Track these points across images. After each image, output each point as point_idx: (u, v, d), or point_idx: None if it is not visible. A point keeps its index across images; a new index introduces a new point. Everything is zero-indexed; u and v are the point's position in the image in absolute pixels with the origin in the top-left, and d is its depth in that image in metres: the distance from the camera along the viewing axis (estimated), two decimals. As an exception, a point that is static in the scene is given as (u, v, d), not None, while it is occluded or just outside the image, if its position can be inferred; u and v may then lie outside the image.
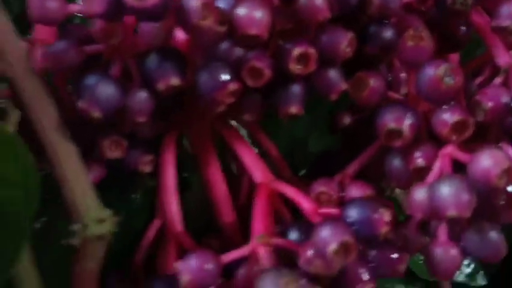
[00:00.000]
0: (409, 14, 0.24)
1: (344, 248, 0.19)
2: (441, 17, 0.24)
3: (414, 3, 0.24)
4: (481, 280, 0.42)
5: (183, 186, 0.30)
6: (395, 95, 0.23)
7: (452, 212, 0.19)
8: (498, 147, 0.20)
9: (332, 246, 0.18)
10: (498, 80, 0.23)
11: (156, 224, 0.25)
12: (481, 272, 0.42)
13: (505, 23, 0.23)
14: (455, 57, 0.26)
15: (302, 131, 0.34)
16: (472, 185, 0.20)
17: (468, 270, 0.43)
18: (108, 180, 0.28)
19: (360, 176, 0.25)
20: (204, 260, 0.19)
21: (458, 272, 0.42)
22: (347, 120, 0.25)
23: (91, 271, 0.22)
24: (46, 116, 0.21)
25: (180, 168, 0.28)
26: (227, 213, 0.25)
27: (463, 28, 0.25)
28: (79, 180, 0.22)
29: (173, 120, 0.25)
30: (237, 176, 0.27)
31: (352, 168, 0.24)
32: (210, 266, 0.19)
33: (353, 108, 0.25)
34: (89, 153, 0.24)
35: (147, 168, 0.25)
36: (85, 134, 0.24)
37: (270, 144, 0.27)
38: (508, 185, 0.20)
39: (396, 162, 0.23)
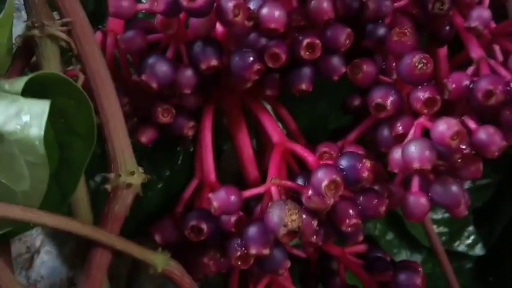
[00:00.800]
0: (400, 16, 0.30)
1: (333, 184, 0.25)
2: (426, 19, 0.30)
3: (404, 7, 0.30)
4: (479, 250, 0.47)
5: (218, 153, 0.37)
6: (385, 79, 0.29)
7: (416, 165, 0.26)
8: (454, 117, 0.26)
9: (324, 183, 0.25)
10: (471, 69, 0.29)
11: (194, 182, 0.32)
12: (480, 244, 0.48)
13: (474, 23, 0.28)
14: (443, 51, 0.32)
15: (322, 111, 0.40)
16: (433, 145, 0.26)
17: (468, 241, 0.48)
18: (158, 144, 0.36)
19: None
20: (229, 193, 0.26)
21: (458, 242, 0.48)
22: (356, 102, 0.31)
23: (118, 213, 0.27)
24: (102, 86, 0.27)
25: (217, 138, 0.34)
26: (252, 171, 0.32)
27: (447, 28, 0.30)
28: (119, 139, 0.27)
29: (211, 95, 0.32)
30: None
31: (352, 135, 0.31)
32: (233, 197, 0.26)
33: (360, 93, 0.31)
34: (145, 120, 0.32)
35: (190, 132, 0.31)
36: (143, 104, 0.31)
37: (289, 119, 0.33)
38: (460, 144, 0.26)
39: (383, 131, 0.29)
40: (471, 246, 0.47)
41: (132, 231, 0.30)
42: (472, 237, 0.47)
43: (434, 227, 0.47)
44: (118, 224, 0.27)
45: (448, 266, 0.39)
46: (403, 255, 0.46)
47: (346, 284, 0.33)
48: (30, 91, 0.23)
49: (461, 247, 0.47)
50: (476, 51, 0.29)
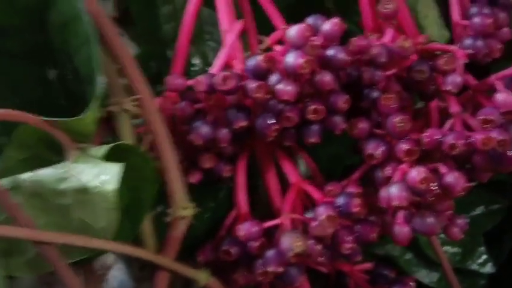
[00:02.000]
0: (391, 81, 0.38)
1: (330, 218, 0.33)
2: (413, 83, 0.37)
3: (394, 74, 0.38)
4: (489, 268, 0.53)
5: (255, 189, 0.45)
6: (378, 131, 0.37)
7: (395, 203, 0.33)
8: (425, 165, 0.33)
9: (323, 217, 0.33)
10: (449, 122, 0.37)
11: (233, 213, 0.40)
12: (490, 263, 0.53)
13: (448, 87, 0.36)
14: (433, 103, 0.39)
15: (338, 151, 0.47)
16: (408, 187, 0.33)
17: (479, 260, 0.53)
18: (206, 183, 0.44)
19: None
20: (252, 225, 0.35)
21: (470, 261, 0.54)
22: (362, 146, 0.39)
23: (176, 237, 0.35)
24: (162, 143, 0.35)
25: (254, 177, 0.43)
26: (277, 203, 0.40)
27: (432, 87, 0.38)
28: (175, 182, 0.35)
29: (245, 144, 0.40)
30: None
31: (355, 175, 0.39)
32: (255, 228, 0.35)
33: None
34: (193, 165, 0.40)
35: (227, 174, 0.40)
36: (192, 153, 0.40)
37: (308, 160, 0.41)
38: (428, 187, 0.33)
39: (378, 173, 0.37)
40: (482, 264, 0.53)
41: (187, 252, 0.38)
42: (483, 257, 0.53)
43: (449, 247, 0.54)
44: (176, 247, 0.36)
45: (455, 281, 0.46)
46: (422, 273, 0.52)
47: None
48: (111, 154, 0.32)
49: (473, 266, 0.53)
50: (453, 108, 0.37)
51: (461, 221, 0.39)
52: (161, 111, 0.39)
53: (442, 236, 0.53)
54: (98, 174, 0.30)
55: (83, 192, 0.31)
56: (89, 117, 0.31)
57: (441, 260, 0.47)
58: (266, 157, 0.41)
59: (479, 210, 0.55)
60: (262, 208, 0.42)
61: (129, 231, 0.36)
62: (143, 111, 0.35)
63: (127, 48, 0.36)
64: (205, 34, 0.47)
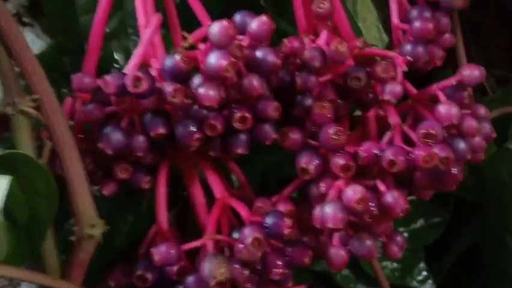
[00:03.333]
0: (326, 87, 0.34)
1: (257, 241, 0.29)
2: (350, 90, 0.34)
3: (329, 80, 0.34)
4: (429, 286, 0.50)
5: (179, 200, 0.41)
6: (312, 143, 0.33)
7: (330, 224, 0.30)
8: (362, 183, 0.30)
9: (249, 240, 0.29)
10: (388, 135, 0.33)
11: (154, 228, 0.36)
12: (430, 280, 0.51)
13: (387, 97, 0.33)
14: (371, 113, 0.36)
15: (278, 160, 0.44)
16: (344, 208, 0.30)
17: (419, 277, 0.51)
18: (122, 194, 0.40)
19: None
20: (170, 247, 0.31)
21: (409, 278, 0.52)
22: None
23: (81, 261, 0.31)
24: (66, 151, 0.32)
25: (177, 187, 0.39)
26: (204, 217, 0.36)
27: (370, 95, 0.35)
28: (81, 196, 0.32)
29: (165, 153, 0.36)
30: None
31: (287, 191, 0.35)
32: (173, 251, 0.31)
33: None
34: (107, 175, 0.36)
35: (147, 186, 0.35)
36: (105, 162, 0.35)
37: (237, 171, 0.38)
38: (366, 208, 0.30)
39: (313, 189, 0.33)
40: (422, 281, 0.50)
41: (101, 270, 0.34)
42: (423, 274, 0.50)
43: (388, 263, 0.51)
44: (81, 270, 0.32)
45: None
46: (359, 289, 0.50)
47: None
48: (2, 163, 0.27)
49: (413, 283, 0.50)
50: (392, 118, 0.34)
51: (399, 238, 0.36)
52: (71, 113, 0.35)
53: (381, 250, 0.51)
54: (-17, 189, 0.26)
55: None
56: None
57: (379, 278, 0.44)
58: (190, 168, 0.37)
59: (419, 223, 0.53)
60: (192, 220, 0.37)
61: (27, 253, 0.31)
62: (43, 113, 0.31)
63: (25, 40, 0.31)
64: (129, 28, 0.42)
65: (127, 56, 0.42)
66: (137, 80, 0.29)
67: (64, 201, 0.32)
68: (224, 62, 0.29)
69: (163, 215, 0.35)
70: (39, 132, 0.33)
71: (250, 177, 0.38)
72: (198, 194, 0.36)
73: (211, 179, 0.35)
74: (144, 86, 0.29)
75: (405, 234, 0.50)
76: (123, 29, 0.42)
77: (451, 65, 0.38)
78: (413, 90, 0.35)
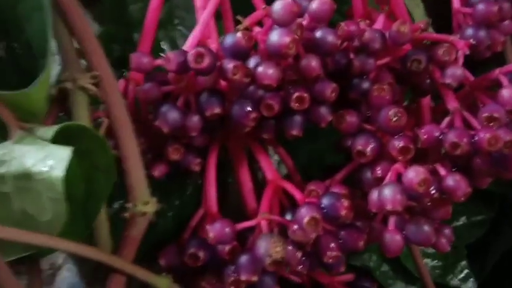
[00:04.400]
0: (383, 71, 0.34)
1: (313, 220, 0.29)
2: (407, 75, 0.33)
3: (387, 64, 0.34)
4: (471, 285, 0.50)
5: (224, 186, 0.41)
6: (368, 127, 0.33)
7: (388, 207, 0.29)
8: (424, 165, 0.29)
9: (306, 219, 0.29)
10: (446, 120, 0.33)
11: (200, 212, 0.36)
12: (472, 278, 0.50)
13: (448, 80, 0.32)
14: (426, 100, 0.36)
15: (320, 149, 0.44)
16: (403, 190, 0.29)
17: (461, 275, 0.50)
18: (170, 176, 0.40)
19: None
20: (224, 225, 0.30)
21: (451, 276, 0.51)
22: (347, 143, 0.35)
23: (134, 237, 0.31)
24: (122, 129, 0.31)
25: (223, 173, 0.38)
26: (251, 203, 0.35)
27: (427, 81, 0.34)
28: (136, 173, 0.31)
29: (217, 135, 0.36)
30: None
31: (339, 175, 0.34)
32: (227, 229, 0.30)
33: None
34: (158, 157, 0.35)
35: (197, 168, 0.35)
36: (157, 144, 0.35)
37: (286, 157, 0.37)
38: (427, 190, 0.29)
39: (366, 173, 0.33)
40: (463, 280, 0.50)
41: (146, 254, 0.33)
42: (464, 272, 0.50)
43: (428, 260, 0.50)
44: (134, 247, 0.31)
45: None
46: (398, 286, 0.49)
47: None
48: (62, 138, 0.27)
49: (454, 281, 0.49)
50: (451, 104, 0.33)
51: (448, 231, 0.35)
52: (124, 95, 0.35)
53: (422, 247, 0.50)
54: (44, 158, 0.26)
55: (26, 178, 0.26)
56: (38, 91, 0.27)
57: (422, 274, 0.43)
58: (240, 151, 0.36)
59: (462, 220, 0.52)
60: (231, 209, 0.37)
61: (82, 228, 0.31)
62: (102, 91, 0.30)
63: (85, 19, 0.31)
64: (176, 18, 0.43)
65: (173, 46, 0.43)
66: (199, 56, 0.29)
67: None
68: (287, 39, 0.29)
69: (212, 197, 0.35)
70: (96, 112, 0.34)
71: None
72: (246, 179, 0.36)
73: (263, 161, 0.34)
74: (206, 61, 0.29)
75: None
76: (170, 20, 0.42)
77: (495, 61, 0.37)
78: (471, 77, 0.34)
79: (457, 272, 0.50)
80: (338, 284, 0.36)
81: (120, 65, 0.38)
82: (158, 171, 0.35)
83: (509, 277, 0.51)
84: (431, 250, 0.51)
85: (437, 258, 0.51)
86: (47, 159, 0.26)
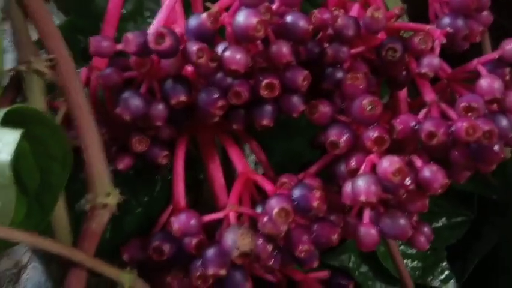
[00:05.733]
0: (358, 61, 0.32)
1: (284, 212, 0.27)
2: (383, 65, 0.32)
3: (361, 53, 0.32)
4: (452, 286, 0.49)
5: (195, 183, 0.40)
6: (341, 118, 0.32)
7: (362, 198, 0.28)
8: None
9: (275, 210, 0.27)
10: (423, 111, 0.31)
11: (170, 208, 0.34)
12: (453, 280, 0.49)
13: (424, 69, 0.31)
14: (403, 93, 0.34)
15: (297, 147, 0.42)
16: (378, 180, 0.28)
17: (441, 276, 0.49)
18: (138, 172, 0.38)
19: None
20: (189, 216, 0.29)
21: (431, 277, 0.49)
22: (321, 139, 0.34)
23: (94, 230, 0.29)
24: (81, 116, 0.30)
25: (194, 169, 0.37)
26: (223, 199, 0.33)
27: (404, 73, 0.33)
28: (96, 163, 0.30)
29: (185, 127, 0.34)
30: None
31: (313, 168, 0.33)
32: (193, 220, 0.29)
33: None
34: (123, 149, 0.34)
35: (164, 161, 0.34)
36: (121, 134, 0.33)
37: (259, 151, 0.36)
38: (402, 181, 0.28)
39: (341, 166, 0.31)
40: (444, 281, 0.49)
41: (113, 253, 0.32)
42: (445, 273, 0.49)
43: (409, 261, 0.49)
44: (94, 241, 0.30)
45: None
46: (378, 287, 0.48)
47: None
48: (12, 121, 0.26)
49: (434, 282, 0.48)
50: (428, 95, 0.32)
51: (427, 229, 0.34)
52: (86, 84, 0.33)
53: (402, 248, 0.49)
54: (-9, 141, 0.24)
55: (-29, 163, 0.24)
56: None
57: (402, 274, 0.42)
58: (210, 145, 0.35)
59: (441, 222, 0.51)
60: (204, 208, 0.35)
61: (40, 219, 0.29)
62: (58, 75, 0.29)
63: (41, 1, 0.29)
64: (146, 11, 0.41)
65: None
66: (160, 37, 0.27)
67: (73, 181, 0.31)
68: (254, 20, 0.27)
69: (180, 192, 0.33)
70: (52, 100, 0.32)
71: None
72: (216, 172, 0.34)
73: (233, 153, 0.33)
74: (168, 42, 0.27)
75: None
76: (140, 12, 0.41)
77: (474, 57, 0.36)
78: (448, 69, 0.33)
79: (437, 274, 0.49)
80: (312, 281, 0.34)
81: (85, 56, 0.37)
82: (123, 164, 0.34)
83: (490, 278, 0.50)
84: (410, 251, 0.50)
85: (417, 259, 0.50)
86: (-6, 142, 0.24)
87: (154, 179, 0.40)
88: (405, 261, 0.49)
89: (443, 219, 0.51)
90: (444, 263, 0.49)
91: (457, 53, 0.33)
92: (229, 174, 0.35)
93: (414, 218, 0.34)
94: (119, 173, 0.37)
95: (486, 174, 0.50)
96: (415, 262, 0.49)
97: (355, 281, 0.45)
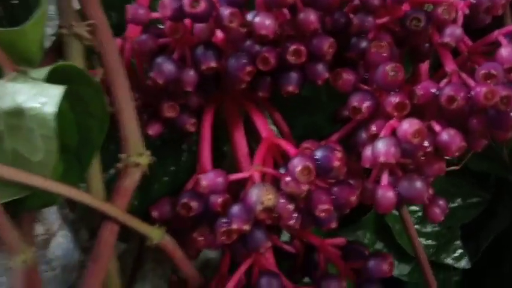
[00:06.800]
0: (382, 32, 0.34)
1: (306, 170, 0.29)
2: (406, 35, 0.33)
3: (386, 24, 0.34)
4: (465, 264, 0.50)
5: (219, 154, 0.41)
6: (364, 86, 0.33)
7: (382, 159, 0.29)
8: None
9: (298, 168, 0.29)
10: (444, 80, 0.32)
11: (195, 177, 0.35)
12: (466, 258, 0.50)
13: (446, 39, 0.32)
14: (424, 66, 0.36)
15: (318, 122, 0.44)
16: (398, 142, 0.29)
17: (455, 254, 0.50)
18: (165, 142, 0.39)
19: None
20: (217, 175, 0.30)
21: (445, 255, 0.50)
22: (345, 112, 0.35)
23: (127, 188, 0.31)
24: (117, 80, 0.31)
25: (218, 140, 0.38)
26: (247, 167, 0.35)
27: (426, 45, 0.34)
28: (130, 124, 0.31)
29: (212, 97, 0.36)
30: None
31: (335, 136, 0.34)
32: (220, 178, 0.30)
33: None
34: (153, 115, 0.35)
35: (192, 128, 0.35)
36: (152, 101, 0.35)
37: (282, 122, 0.37)
38: (421, 142, 0.29)
39: (361, 133, 0.33)
40: (457, 259, 0.50)
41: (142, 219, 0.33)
42: (458, 251, 0.50)
43: (423, 239, 0.50)
44: (126, 198, 0.31)
45: (431, 276, 0.41)
46: (391, 264, 0.49)
47: (326, 272, 0.36)
48: (55, 79, 0.27)
49: (447, 259, 0.50)
50: (449, 65, 0.33)
51: (442, 202, 0.35)
52: (121, 54, 0.34)
53: (417, 227, 0.50)
54: (36, 95, 0.25)
55: (18, 115, 0.26)
56: (33, 29, 0.26)
57: (417, 251, 0.43)
58: (235, 114, 0.36)
59: (457, 202, 0.52)
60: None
61: (78, 173, 0.31)
62: (96, 40, 0.30)
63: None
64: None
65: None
66: (195, 0, 0.29)
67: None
68: (284, -13, 0.28)
69: (206, 156, 0.35)
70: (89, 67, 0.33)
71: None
72: (241, 141, 0.36)
73: (258, 120, 0.34)
74: (202, 6, 0.29)
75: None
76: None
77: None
78: (469, 42, 0.34)
79: (451, 251, 0.50)
80: (329, 246, 0.36)
81: (118, 32, 0.38)
82: (153, 130, 0.35)
83: (503, 257, 0.51)
84: (425, 229, 0.51)
85: (431, 238, 0.51)
86: (39, 96, 0.25)
87: (180, 149, 0.41)
88: (419, 239, 0.50)
89: (459, 200, 0.52)
90: (458, 242, 0.50)
91: (479, 28, 0.34)
92: (251, 146, 0.37)
93: (430, 191, 0.36)
94: (148, 141, 0.39)
95: (502, 155, 0.51)
96: (429, 240, 0.50)
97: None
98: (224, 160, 0.42)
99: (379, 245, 0.50)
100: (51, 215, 0.44)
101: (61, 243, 0.44)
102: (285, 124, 0.37)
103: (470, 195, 0.52)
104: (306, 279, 0.38)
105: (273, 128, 0.41)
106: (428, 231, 0.51)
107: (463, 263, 0.49)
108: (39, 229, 0.44)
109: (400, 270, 0.49)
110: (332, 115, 0.37)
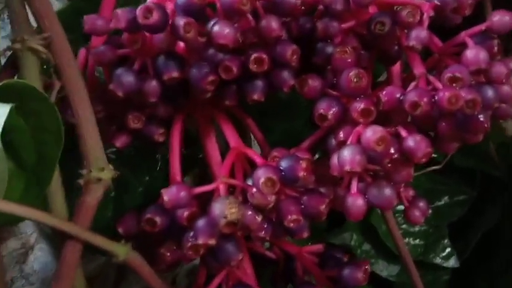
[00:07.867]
0: (349, 36, 0.33)
1: (270, 181, 0.28)
2: (374, 39, 0.33)
3: (352, 28, 0.33)
4: (453, 263, 0.49)
5: (194, 161, 0.40)
6: (332, 92, 0.32)
7: (347, 167, 0.28)
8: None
9: (262, 180, 0.28)
10: (412, 84, 0.32)
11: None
12: (454, 256, 0.50)
13: (412, 43, 0.31)
14: (395, 68, 0.35)
15: (297, 127, 0.43)
16: (363, 150, 0.28)
17: (443, 253, 0.50)
18: (139, 152, 0.39)
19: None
20: (180, 189, 0.29)
21: (433, 254, 0.50)
22: None
23: (89, 204, 0.30)
24: (76, 92, 0.31)
25: (193, 148, 0.37)
26: (218, 172, 0.34)
27: (395, 48, 0.33)
28: (90, 139, 0.31)
29: (181, 105, 0.35)
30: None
31: (305, 143, 0.34)
32: (183, 192, 0.29)
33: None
34: (121, 127, 0.35)
35: (160, 138, 0.35)
36: (118, 113, 0.34)
37: (255, 129, 0.36)
38: (386, 149, 0.28)
39: (331, 140, 0.32)
40: (446, 258, 0.49)
41: (115, 231, 0.33)
42: (447, 250, 0.49)
43: (411, 239, 0.50)
44: (89, 215, 0.31)
45: (417, 277, 0.41)
46: (380, 265, 0.48)
47: (304, 280, 0.35)
48: (7, 96, 0.27)
49: (436, 259, 0.49)
50: (417, 68, 0.32)
51: (422, 204, 0.35)
52: (85, 65, 0.34)
53: (404, 226, 0.49)
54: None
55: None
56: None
57: (401, 252, 0.42)
58: (206, 122, 0.36)
59: (444, 200, 0.51)
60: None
61: (37, 192, 0.30)
62: (53, 52, 0.30)
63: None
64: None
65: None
66: (148, 11, 0.28)
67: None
68: (239, -6, 0.28)
69: (176, 167, 0.34)
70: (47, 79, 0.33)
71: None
72: (213, 149, 0.35)
73: (226, 129, 0.34)
74: (155, 17, 0.28)
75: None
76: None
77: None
78: (439, 43, 0.33)
79: (439, 251, 0.49)
80: (306, 254, 0.35)
81: (87, 39, 0.38)
82: (120, 141, 0.35)
83: (492, 254, 0.50)
84: (412, 229, 0.50)
85: (419, 237, 0.50)
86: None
87: (154, 158, 0.41)
88: (407, 239, 0.49)
89: (446, 198, 0.51)
90: (446, 240, 0.50)
91: (457, 27, 0.33)
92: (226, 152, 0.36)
93: (411, 193, 0.35)
94: (120, 152, 0.38)
95: (489, 151, 0.50)
96: (417, 240, 0.50)
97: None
98: (197, 167, 0.42)
99: (366, 246, 0.50)
100: (28, 228, 0.44)
101: (39, 256, 0.44)
102: (258, 131, 0.36)
103: (457, 193, 0.51)
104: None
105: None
106: (416, 230, 0.50)
107: (452, 262, 0.49)
108: (15, 244, 0.43)
109: (389, 271, 0.48)
110: (309, 119, 0.36)
